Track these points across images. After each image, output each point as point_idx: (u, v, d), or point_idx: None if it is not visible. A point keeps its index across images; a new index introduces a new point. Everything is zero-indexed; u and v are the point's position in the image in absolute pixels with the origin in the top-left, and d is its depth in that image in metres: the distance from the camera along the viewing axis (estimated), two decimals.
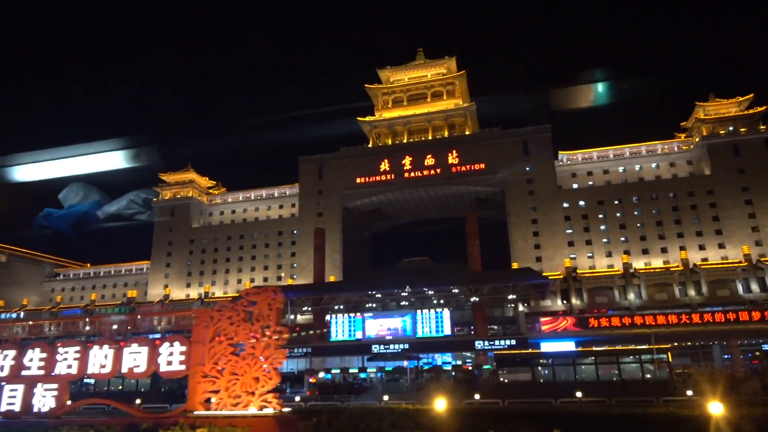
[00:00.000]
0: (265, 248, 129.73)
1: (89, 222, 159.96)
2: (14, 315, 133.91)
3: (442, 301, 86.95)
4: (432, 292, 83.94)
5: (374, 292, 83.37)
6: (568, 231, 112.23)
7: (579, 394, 40.84)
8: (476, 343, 75.21)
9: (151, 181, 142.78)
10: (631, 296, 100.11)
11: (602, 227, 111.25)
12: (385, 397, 43.74)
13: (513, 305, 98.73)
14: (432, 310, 78.97)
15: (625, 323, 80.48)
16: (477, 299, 79.31)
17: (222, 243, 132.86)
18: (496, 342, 74.61)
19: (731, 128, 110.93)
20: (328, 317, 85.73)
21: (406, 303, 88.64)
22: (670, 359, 53.72)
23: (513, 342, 74.42)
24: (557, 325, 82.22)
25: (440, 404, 23.99)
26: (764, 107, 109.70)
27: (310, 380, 59.99)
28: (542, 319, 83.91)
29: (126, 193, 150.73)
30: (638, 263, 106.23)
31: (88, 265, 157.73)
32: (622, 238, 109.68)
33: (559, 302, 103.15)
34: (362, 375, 72.19)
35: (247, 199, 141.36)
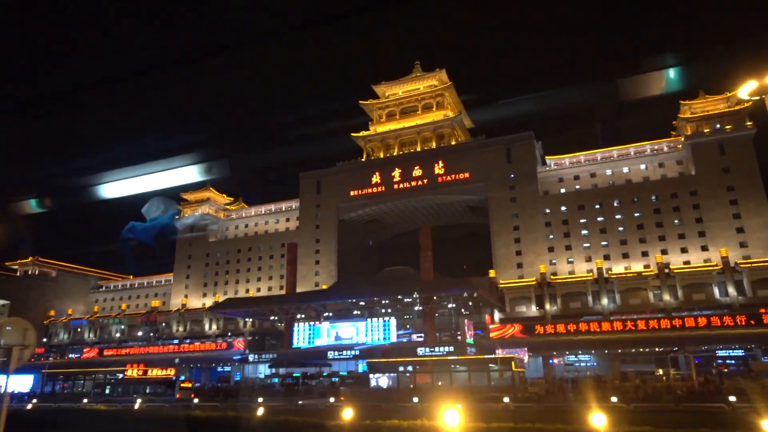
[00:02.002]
0: (270, 260, 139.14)
1: (169, 233, 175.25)
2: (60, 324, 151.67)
3: (399, 308, 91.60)
4: (386, 301, 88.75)
5: (324, 302, 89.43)
6: (549, 237, 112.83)
7: (416, 399, 44.99)
8: (418, 349, 79.49)
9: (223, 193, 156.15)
10: (605, 301, 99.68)
11: (583, 232, 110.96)
12: (260, 399, 49.86)
13: (485, 312, 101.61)
14: (380, 319, 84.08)
15: (570, 330, 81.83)
16: (420, 308, 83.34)
17: (233, 255, 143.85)
18: (437, 348, 78.56)
19: (718, 126, 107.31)
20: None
21: (364, 311, 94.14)
22: (514, 368, 55.89)
23: (451, 348, 78.14)
24: (505, 332, 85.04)
25: (260, 409, 28.85)
26: (750, 103, 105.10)
27: (181, 385, 67.08)
28: (491, 326, 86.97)
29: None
30: (618, 267, 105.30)
31: (131, 277, 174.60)
32: (604, 243, 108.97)
33: (533, 308, 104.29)
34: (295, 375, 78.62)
35: (258, 214, 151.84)
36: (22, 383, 76.95)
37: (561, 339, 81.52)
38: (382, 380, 59.18)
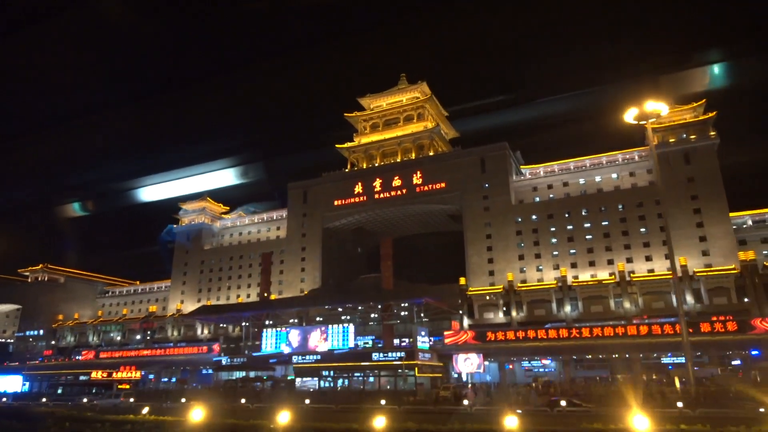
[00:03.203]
0: (259, 267, 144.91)
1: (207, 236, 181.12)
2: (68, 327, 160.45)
3: (359, 316, 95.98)
4: (341, 309, 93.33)
5: (286, 311, 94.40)
6: (520, 245, 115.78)
7: (307, 401, 49.63)
8: (373, 354, 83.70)
9: (258, 197, 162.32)
10: (567, 309, 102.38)
11: (552, 240, 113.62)
12: (183, 400, 55.00)
13: (453, 319, 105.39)
14: (340, 325, 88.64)
15: (519, 337, 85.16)
16: (376, 315, 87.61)
17: (226, 263, 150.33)
18: (390, 354, 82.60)
19: (684, 135, 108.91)
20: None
21: (329, 318, 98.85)
22: (417, 374, 59.71)
23: (403, 354, 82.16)
24: (458, 339, 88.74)
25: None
26: (714, 113, 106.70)
27: (118, 386, 72.61)
28: (446, 333, 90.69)
29: (237, 207, 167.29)
30: (585, 275, 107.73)
31: (138, 282, 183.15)
32: (572, 251, 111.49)
33: (501, 315, 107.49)
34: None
35: (251, 223, 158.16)
36: (11, 383, 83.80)
37: (510, 346, 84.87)
38: (312, 383, 63.77)
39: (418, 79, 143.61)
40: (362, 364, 72.36)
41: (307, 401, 48.97)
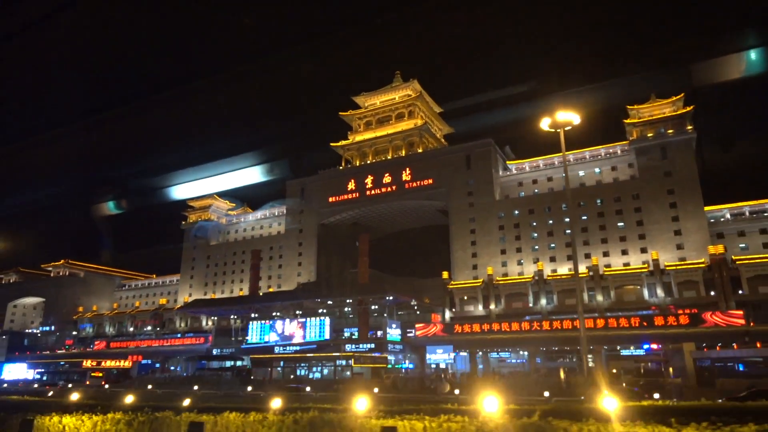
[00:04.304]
0: (260, 261, 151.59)
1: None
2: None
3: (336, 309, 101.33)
4: (317, 302, 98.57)
5: (262, 305, 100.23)
6: (502, 240, 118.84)
7: (249, 388, 55.15)
8: (346, 346, 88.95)
9: (282, 194, 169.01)
10: (543, 302, 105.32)
11: (534, 235, 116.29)
12: (149, 387, 61.26)
13: (435, 312, 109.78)
14: (317, 318, 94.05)
15: (484, 329, 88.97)
16: (348, 309, 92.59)
17: (230, 258, 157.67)
18: (361, 345, 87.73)
19: (662, 130, 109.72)
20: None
21: (322, 311, 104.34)
22: (354, 364, 64.28)
23: (373, 345, 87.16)
24: (428, 331, 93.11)
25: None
26: (692, 107, 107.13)
27: (92, 374, 79.13)
28: (417, 326, 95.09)
29: (263, 204, 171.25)
30: (563, 269, 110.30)
31: (154, 276, 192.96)
32: (552, 245, 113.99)
33: (480, 308, 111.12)
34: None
35: (255, 219, 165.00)
36: (17, 371, 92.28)
37: (475, 338, 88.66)
38: (264, 372, 69.48)
39: (414, 76, 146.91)
40: (307, 355, 77.79)
41: (249, 388, 54.56)
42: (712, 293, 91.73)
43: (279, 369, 70.83)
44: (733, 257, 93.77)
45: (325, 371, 74.45)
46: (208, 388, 58.44)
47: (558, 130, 56.67)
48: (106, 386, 68.13)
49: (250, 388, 55.09)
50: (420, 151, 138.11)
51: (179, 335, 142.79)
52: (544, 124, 56.07)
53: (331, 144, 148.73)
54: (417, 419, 15.49)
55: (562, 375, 60.43)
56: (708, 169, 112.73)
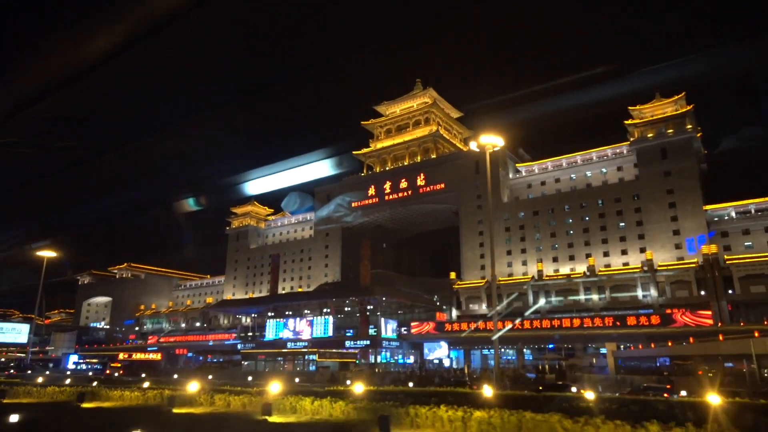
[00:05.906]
0: (291, 263, 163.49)
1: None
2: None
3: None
4: (317, 302, 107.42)
5: (277, 305, 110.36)
6: (507, 241, 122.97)
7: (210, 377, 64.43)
8: (346, 342, 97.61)
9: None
10: (542, 301, 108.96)
11: (537, 236, 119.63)
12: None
13: (440, 311, 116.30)
14: (322, 317, 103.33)
15: (471, 327, 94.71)
16: (349, 308, 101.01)
17: (266, 260, 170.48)
18: (358, 342, 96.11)
19: (663, 130, 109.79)
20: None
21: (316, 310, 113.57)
22: (318, 359, 71.72)
23: (368, 342, 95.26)
24: (422, 329, 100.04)
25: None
26: (691, 106, 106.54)
27: (111, 364, 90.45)
28: (412, 324, 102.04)
29: (334, 198, 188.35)
30: (564, 269, 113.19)
31: (208, 276, 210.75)
32: (555, 246, 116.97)
33: (484, 306, 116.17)
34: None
35: (290, 224, 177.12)
36: (71, 361, 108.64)
37: (463, 336, 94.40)
38: (250, 366, 79.15)
39: (433, 83, 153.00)
40: (282, 350, 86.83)
41: (210, 377, 64.27)
42: (703, 293, 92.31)
43: (263, 362, 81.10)
44: (725, 257, 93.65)
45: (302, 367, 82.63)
46: (219, 377, 68.21)
47: (485, 150, 62.43)
48: (116, 375, 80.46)
49: (250, 378, 64.60)
50: (434, 156, 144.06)
51: (222, 331, 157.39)
52: (473, 145, 62.04)
53: (354, 152, 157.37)
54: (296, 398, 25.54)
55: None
56: (715, 166, 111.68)
